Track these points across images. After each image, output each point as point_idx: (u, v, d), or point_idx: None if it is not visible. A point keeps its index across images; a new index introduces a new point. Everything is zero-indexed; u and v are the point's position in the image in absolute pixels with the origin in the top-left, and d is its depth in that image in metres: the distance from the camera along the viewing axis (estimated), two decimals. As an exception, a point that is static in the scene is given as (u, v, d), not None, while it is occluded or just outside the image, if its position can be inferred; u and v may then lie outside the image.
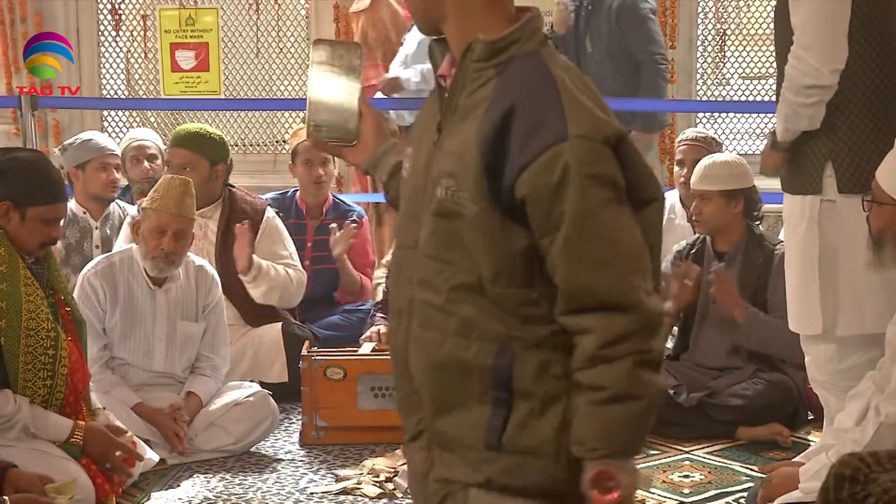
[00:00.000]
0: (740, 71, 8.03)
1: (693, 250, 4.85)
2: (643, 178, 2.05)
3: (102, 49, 8.60)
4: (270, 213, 5.24)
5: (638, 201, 2.04)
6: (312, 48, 2.30)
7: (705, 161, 4.84)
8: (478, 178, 1.99)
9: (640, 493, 4.00)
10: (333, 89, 2.28)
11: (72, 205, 5.42)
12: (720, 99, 8.04)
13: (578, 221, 1.95)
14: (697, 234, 4.91)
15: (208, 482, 4.19)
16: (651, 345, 1.99)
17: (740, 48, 8.04)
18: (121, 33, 8.57)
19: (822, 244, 3.65)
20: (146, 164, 5.86)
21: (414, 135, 2.24)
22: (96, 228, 5.51)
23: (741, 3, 8.12)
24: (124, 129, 8.16)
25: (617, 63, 6.35)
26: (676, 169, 5.73)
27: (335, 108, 2.29)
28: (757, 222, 4.83)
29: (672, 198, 5.70)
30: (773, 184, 3.99)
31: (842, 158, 3.62)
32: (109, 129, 8.45)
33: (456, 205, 2.02)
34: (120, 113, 8.65)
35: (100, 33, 8.58)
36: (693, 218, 4.84)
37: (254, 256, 5.04)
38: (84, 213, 5.53)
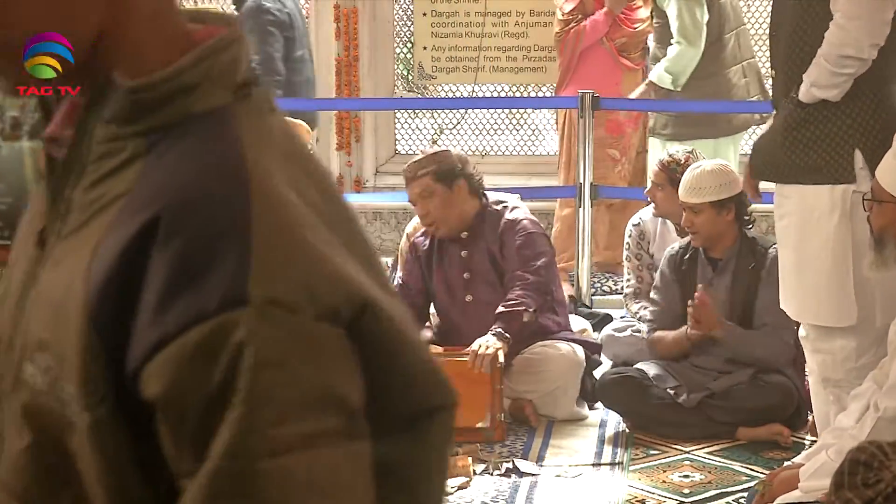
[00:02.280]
0: (740, 71, 8.01)
1: (686, 256, 4.83)
2: (416, 374, 1.06)
3: (102, 49, 8.60)
4: None
5: (405, 413, 1.06)
6: None
7: (692, 172, 4.77)
8: (87, 358, 1.00)
9: (640, 493, 4.00)
10: None
11: None
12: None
13: (241, 467, 0.95)
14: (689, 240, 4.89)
15: (208, 482, 4.18)
16: None
17: (740, 48, 8.03)
18: (121, 33, 8.58)
19: (854, 236, 3.63)
20: None
21: (17, 241, 1.18)
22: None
23: (741, 3, 8.12)
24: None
25: None
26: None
27: None
28: (749, 226, 4.80)
29: None
30: (772, 185, 3.97)
31: (872, 145, 3.59)
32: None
33: (59, 403, 1.02)
34: (120, 113, 8.65)
35: (100, 33, 8.58)
36: (687, 230, 4.81)
37: None
38: None
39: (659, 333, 4.76)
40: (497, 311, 4.71)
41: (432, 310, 5.10)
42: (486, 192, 5.00)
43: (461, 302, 4.93)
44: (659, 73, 6.53)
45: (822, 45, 3.60)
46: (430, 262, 5.01)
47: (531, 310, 4.72)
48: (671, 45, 6.45)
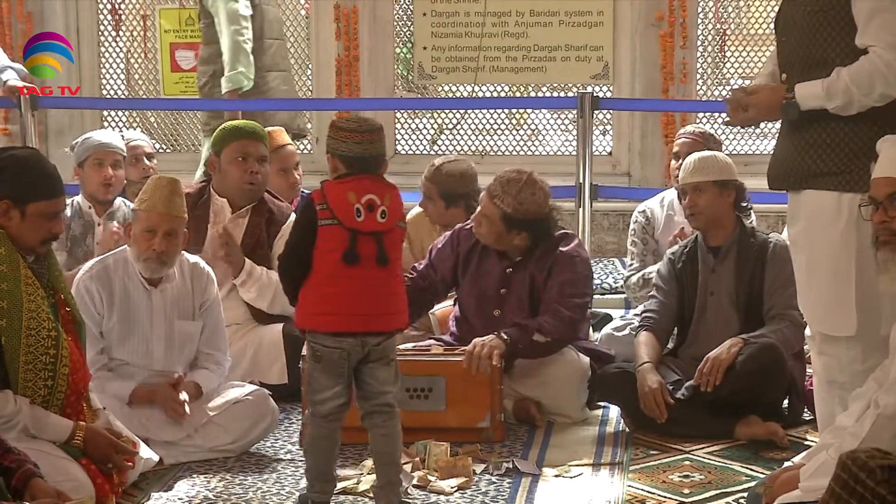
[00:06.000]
0: (740, 71, 8.04)
1: (686, 249, 4.87)
2: None
3: (102, 49, 8.60)
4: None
5: None
6: None
7: (694, 156, 4.94)
8: None
9: (640, 493, 4.00)
10: None
11: (79, 198, 5.61)
12: (720, 99, 8.04)
13: None
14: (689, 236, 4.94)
15: (208, 482, 4.19)
16: None
17: (740, 48, 8.05)
18: (121, 33, 8.58)
19: (859, 245, 3.60)
20: (146, 161, 6.02)
21: None
22: (99, 224, 5.54)
23: (741, 3, 8.13)
24: (124, 130, 8.16)
25: None
26: (673, 162, 5.78)
27: None
28: (748, 215, 4.90)
29: (671, 194, 5.76)
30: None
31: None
32: (109, 130, 8.46)
33: None
34: (120, 113, 8.65)
35: (100, 33, 8.58)
36: (688, 212, 4.87)
37: (246, 260, 5.11)
38: (89, 207, 5.62)
39: (643, 338, 4.75)
40: (515, 321, 4.74)
41: (456, 311, 5.07)
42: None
43: (488, 315, 4.88)
44: (228, 79, 6.74)
45: (854, 71, 3.52)
46: (468, 263, 4.97)
47: (548, 337, 4.72)
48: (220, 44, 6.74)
